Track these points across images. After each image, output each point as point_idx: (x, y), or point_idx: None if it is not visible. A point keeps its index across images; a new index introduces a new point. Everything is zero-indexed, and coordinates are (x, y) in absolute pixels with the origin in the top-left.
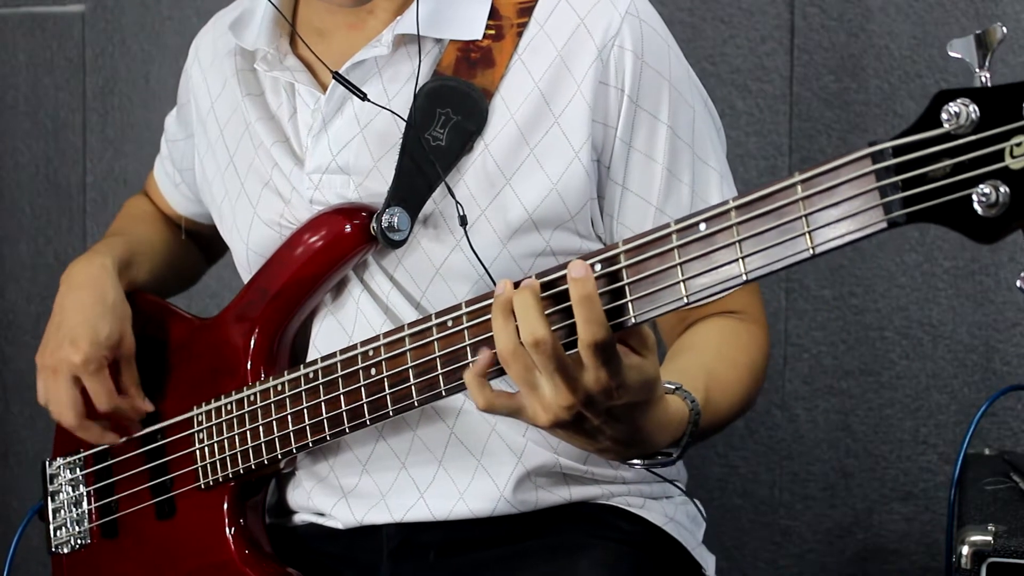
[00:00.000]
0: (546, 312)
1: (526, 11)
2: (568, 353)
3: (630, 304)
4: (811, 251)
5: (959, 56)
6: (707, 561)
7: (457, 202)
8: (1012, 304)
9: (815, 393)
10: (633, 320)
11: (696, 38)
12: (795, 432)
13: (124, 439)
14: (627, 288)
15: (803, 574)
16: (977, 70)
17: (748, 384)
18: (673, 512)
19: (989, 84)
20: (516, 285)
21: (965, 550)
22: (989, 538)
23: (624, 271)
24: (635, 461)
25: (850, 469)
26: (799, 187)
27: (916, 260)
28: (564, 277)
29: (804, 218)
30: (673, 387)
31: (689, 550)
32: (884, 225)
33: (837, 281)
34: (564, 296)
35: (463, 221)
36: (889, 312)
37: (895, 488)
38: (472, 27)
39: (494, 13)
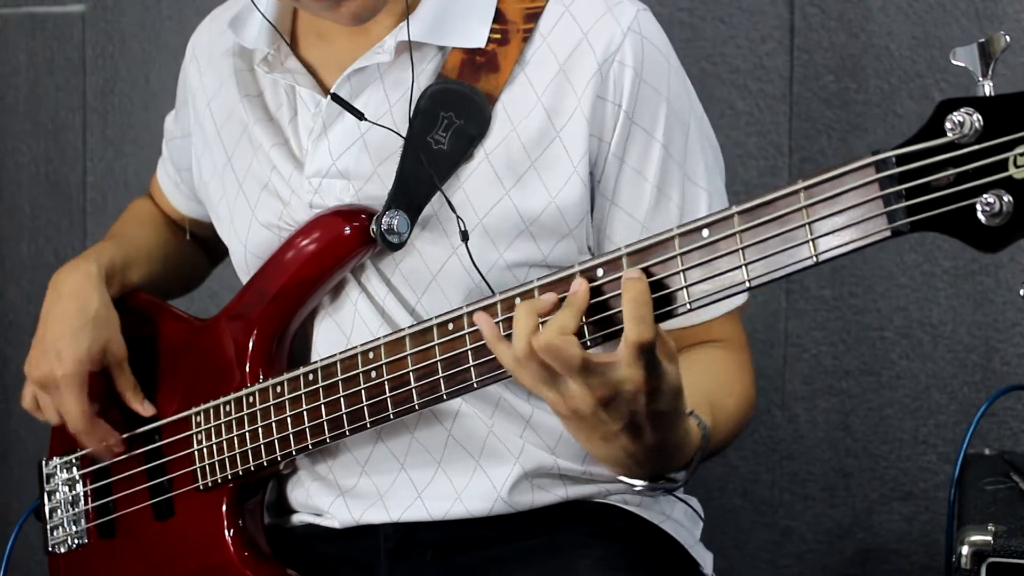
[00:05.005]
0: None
1: (532, 17)
2: (591, 351)
3: None
4: (814, 259)
5: (962, 65)
6: (705, 559)
7: (459, 217)
8: (1012, 304)
9: (815, 393)
10: None
11: (696, 38)
12: (795, 432)
13: (119, 453)
14: None
15: (803, 574)
16: (980, 79)
17: (745, 411)
18: (671, 510)
19: (992, 93)
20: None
21: (965, 550)
22: (989, 538)
23: None
24: (637, 483)
25: (850, 469)
26: (802, 194)
27: (916, 260)
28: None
29: (807, 226)
30: (688, 411)
31: (687, 548)
32: (888, 234)
33: (837, 281)
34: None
35: (464, 236)
36: (889, 312)
37: (895, 488)
38: (475, 35)
39: (500, 16)
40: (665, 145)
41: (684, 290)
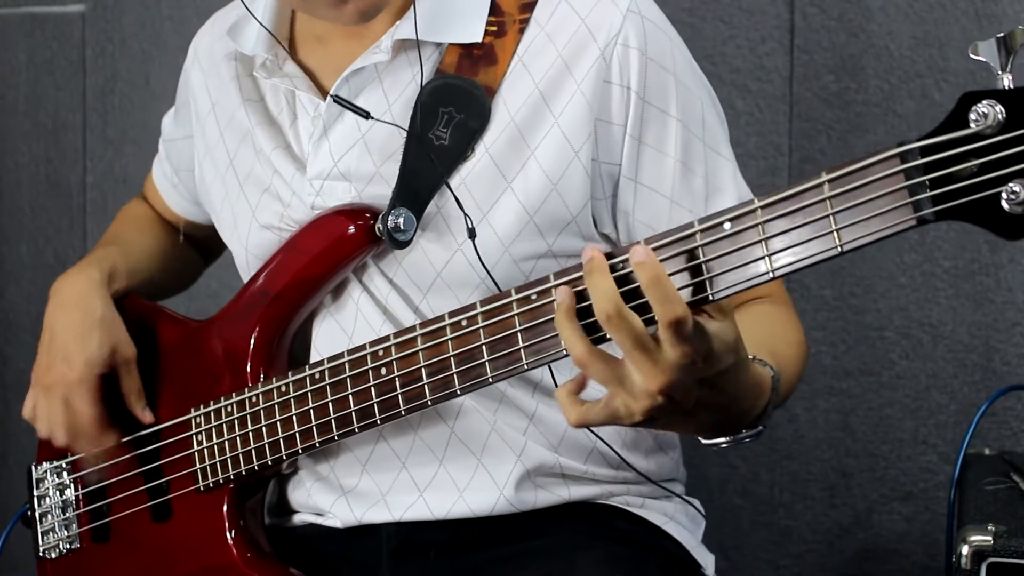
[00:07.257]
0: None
1: (528, 6)
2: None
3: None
4: (839, 248)
5: (983, 59)
6: (707, 560)
7: (466, 215)
8: (1012, 304)
9: (815, 393)
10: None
11: (696, 38)
12: (795, 432)
13: (109, 461)
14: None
15: (803, 574)
16: (1000, 72)
17: (803, 357)
18: (673, 511)
19: (1013, 86)
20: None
21: (965, 550)
22: (989, 538)
23: None
24: (721, 440)
25: (850, 469)
26: (826, 186)
27: (916, 260)
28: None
29: (831, 216)
30: (751, 356)
31: (689, 549)
32: (913, 223)
33: (837, 281)
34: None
35: (472, 234)
36: (889, 312)
37: (895, 488)
38: (471, 30)
39: (495, 9)
40: (682, 120)
41: (707, 281)
